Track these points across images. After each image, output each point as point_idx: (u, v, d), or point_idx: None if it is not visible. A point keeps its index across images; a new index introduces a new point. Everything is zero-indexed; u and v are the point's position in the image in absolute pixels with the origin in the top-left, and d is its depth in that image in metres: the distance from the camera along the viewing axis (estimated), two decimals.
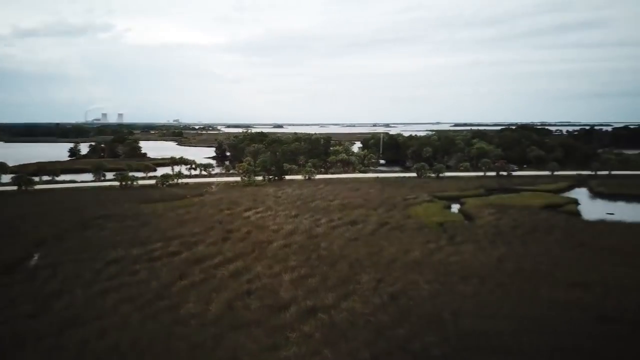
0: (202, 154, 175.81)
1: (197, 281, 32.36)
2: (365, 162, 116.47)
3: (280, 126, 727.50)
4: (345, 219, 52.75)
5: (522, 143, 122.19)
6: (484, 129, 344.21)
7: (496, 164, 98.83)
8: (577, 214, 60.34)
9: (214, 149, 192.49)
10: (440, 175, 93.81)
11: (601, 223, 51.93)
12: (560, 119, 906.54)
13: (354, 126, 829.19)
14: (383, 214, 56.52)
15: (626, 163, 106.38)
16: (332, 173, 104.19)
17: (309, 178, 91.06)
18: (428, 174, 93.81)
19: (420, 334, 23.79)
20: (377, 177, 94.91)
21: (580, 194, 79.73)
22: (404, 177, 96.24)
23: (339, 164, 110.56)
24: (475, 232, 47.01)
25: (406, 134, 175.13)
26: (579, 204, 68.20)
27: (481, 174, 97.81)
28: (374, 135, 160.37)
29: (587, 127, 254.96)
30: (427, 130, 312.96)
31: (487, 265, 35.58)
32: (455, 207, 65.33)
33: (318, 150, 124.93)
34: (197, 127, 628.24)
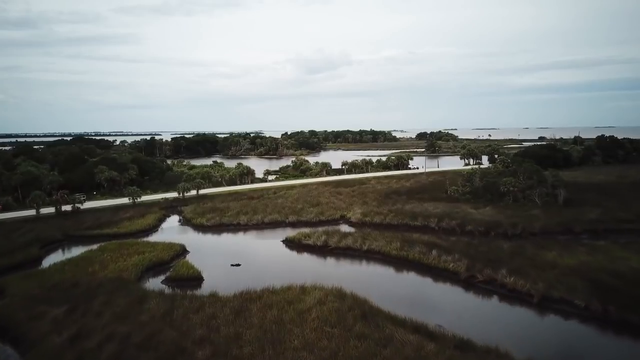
0: None
1: None
2: None
3: None
4: None
5: (86, 161, 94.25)
6: (32, 141, 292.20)
7: (54, 196, 67.96)
8: (199, 277, 39.65)
9: None
10: None
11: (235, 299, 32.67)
12: (113, 129, 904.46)
13: None
14: None
15: (209, 179, 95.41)
16: None
17: None
18: None
19: None
20: None
21: (173, 229, 60.45)
22: None
23: None
24: None
25: None
26: (188, 251, 48.32)
27: (32, 213, 65.14)
28: None
29: (148, 137, 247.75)
30: None
31: None
32: None
33: None
34: None
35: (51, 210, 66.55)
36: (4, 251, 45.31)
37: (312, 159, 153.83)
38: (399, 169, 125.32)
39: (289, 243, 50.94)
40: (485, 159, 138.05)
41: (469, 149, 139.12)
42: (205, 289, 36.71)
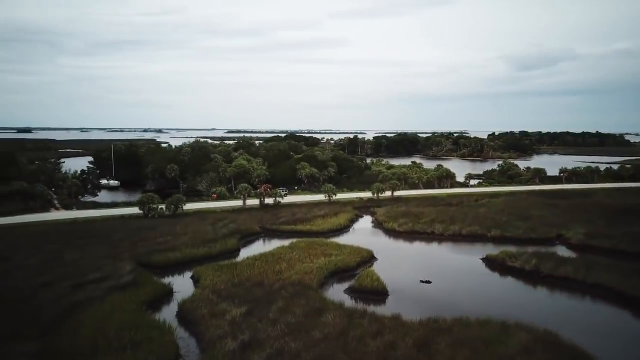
0: None
1: None
2: (75, 189, 77.85)
3: (28, 130, 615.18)
4: None
5: (291, 157, 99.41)
6: (256, 136, 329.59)
7: (258, 189, 72.14)
8: (384, 292, 35.70)
9: None
10: (179, 211, 62.65)
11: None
12: (324, 127, 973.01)
13: (122, 131, 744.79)
14: None
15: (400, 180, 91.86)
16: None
17: None
18: (161, 210, 61.93)
19: None
20: (77, 219, 59.11)
21: (363, 231, 58.18)
22: (121, 216, 61.97)
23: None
24: None
25: (179, 142, 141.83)
26: (375, 258, 45.09)
27: (239, 203, 69.97)
28: (108, 146, 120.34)
29: (351, 136, 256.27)
30: (197, 137, 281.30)
31: None
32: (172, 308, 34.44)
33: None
34: None
35: (256, 202, 70.68)
36: (207, 240, 48.30)
37: (522, 163, 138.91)
38: (636, 181, 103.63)
39: (490, 262, 43.77)
40: None
41: None
42: (389, 306, 32.81)
